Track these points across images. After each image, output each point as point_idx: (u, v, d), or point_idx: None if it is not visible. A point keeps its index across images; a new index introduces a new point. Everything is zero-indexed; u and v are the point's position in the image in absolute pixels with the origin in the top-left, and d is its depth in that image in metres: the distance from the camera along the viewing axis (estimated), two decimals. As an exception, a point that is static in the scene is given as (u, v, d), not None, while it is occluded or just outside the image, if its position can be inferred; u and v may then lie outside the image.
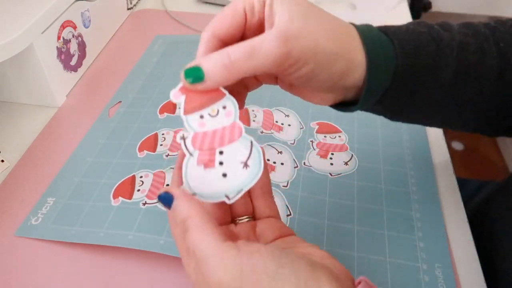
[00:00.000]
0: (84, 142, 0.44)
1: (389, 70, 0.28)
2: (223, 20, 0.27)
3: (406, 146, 0.44)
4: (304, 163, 0.42)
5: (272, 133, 0.44)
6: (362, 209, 0.38)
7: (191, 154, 0.25)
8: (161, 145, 0.43)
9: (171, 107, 0.47)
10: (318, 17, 0.26)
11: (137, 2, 0.68)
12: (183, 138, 0.25)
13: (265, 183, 0.28)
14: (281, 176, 0.40)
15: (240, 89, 0.30)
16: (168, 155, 0.42)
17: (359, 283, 0.23)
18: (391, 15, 0.67)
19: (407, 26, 0.30)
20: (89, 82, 0.53)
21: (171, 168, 0.40)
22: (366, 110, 0.31)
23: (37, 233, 0.36)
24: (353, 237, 0.36)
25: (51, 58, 0.47)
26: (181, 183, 0.25)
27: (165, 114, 0.47)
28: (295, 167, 0.41)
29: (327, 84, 0.27)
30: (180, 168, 0.25)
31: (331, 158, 0.42)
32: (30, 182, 0.40)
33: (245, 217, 0.28)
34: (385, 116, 0.33)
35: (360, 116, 0.47)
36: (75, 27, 0.51)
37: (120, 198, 0.38)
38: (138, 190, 0.38)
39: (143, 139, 0.44)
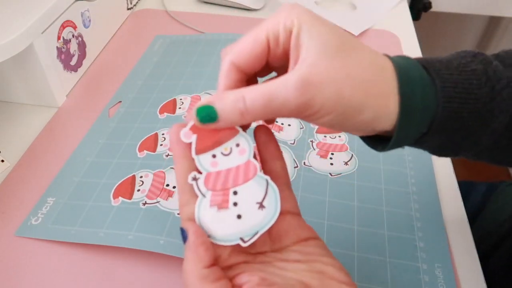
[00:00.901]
0: (84, 142, 0.44)
1: (427, 117, 0.24)
2: (243, 49, 0.24)
3: (406, 146, 0.44)
4: (304, 163, 0.42)
5: (272, 133, 0.44)
6: (362, 209, 0.38)
7: (203, 195, 0.24)
8: (161, 145, 0.43)
9: (171, 107, 0.47)
10: (347, 56, 0.23)
11: (137, 2, 0.68)
12: (195, 178, 0.24)
13: (280, 173, 0.26)
14: (281, 176, 0.40)
15: None
16: (168, 155, 0.42)
17: None
18: (391, 15, 0.67)
19: (457, 59, 0.25)
20: (89, 82, 0.53)
21: (171, 168, 0.40)
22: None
23: (37, 233, 0.36)
24: (353, 237, 0.36)
25: (51, 58, 0.47)
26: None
27: (165, 114, 0.47)
28: (295, 167, 0.41)
29: (352, 130, 0.25)
30: (183, 177, 0.24)
31: (331, 158, 0.42)
32: (30, 182, 0.41)
33: None
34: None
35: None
36: (75, 27, 0.51)
37: (120, 198, 0.38)
38: (138, 190, 0.38)
39: (143, 139, 0.44)
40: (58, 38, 0.48)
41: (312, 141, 0.44)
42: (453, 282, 0.33)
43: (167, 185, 0.38)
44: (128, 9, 0.66)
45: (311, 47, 0.22)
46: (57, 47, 0.48)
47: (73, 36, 0.51)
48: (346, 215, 0.37)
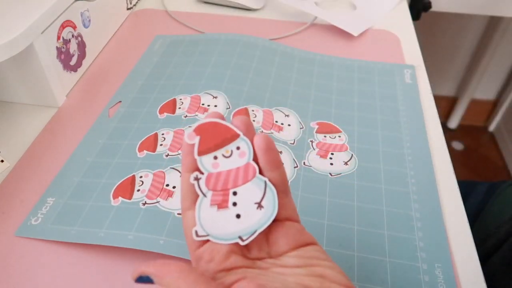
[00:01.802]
0: (84, 142, 0.44)
1: None
2: None
3: (406, 146, 0.44)
4: (304, 163, 0.42)
5: (272, 133, 0.44)
6: (362, 209, 0.38)
7: (204, 195, 0.25)
8: (161, 145, 0.43)
9: (171, 107, 0.47)
10: None
11: (137, 2, 0.68)
12: (197, 178, 0.25)
13: (279, 181, 0.26)
14: (281, 176, 0.40)
15: None
16: (168, 155, 0.42)
17: None
18: (391, 15, 0.67)
19: None
20: (89, 82, 0.53)
21: (171, 168, 0.40)
22: None
23: (37, 233, 0.36)
24: (353, 237, 0.36)
25: (51, 58, 0.47)
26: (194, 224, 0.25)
27: (165, 114, 0.47)
28: (295, 167, 0.41)
29: None
30: (187, 181, 0.25)
31: (331, 158, 0.42)
32: (30, 182, 0.41)
33: None
34: None
35: (360, 116, 0.47)
36: (75, 27, 0.51)
37: (120, 198, 0.38)
38: (138, 190, 0.38)
39: (143, 139, 0.44)
40: (58, 38, 0.48)
41: (312, 141, 0.44)
42: (453, 282, 0.33)
43: (167, 185, 0.38)
44: (128, 9, 0.66)
45: None
46: (57, 47, 0.48)
47: (73, 36, 0.51)
48: (346, 215, 0.37)
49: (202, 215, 0.25)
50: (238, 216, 0.25)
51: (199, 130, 0.25)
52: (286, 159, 0.42)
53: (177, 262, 0.22)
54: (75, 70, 0.52)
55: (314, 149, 0.43)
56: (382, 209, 0.38)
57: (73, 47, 0.51)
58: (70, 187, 0.39)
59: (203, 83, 0.50)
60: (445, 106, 1.58)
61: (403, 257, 0.34)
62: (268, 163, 0.26)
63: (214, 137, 0.25)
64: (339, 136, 0.45)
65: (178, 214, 0.36)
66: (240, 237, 0.24)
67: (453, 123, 1.59)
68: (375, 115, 0.48)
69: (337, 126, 0.46)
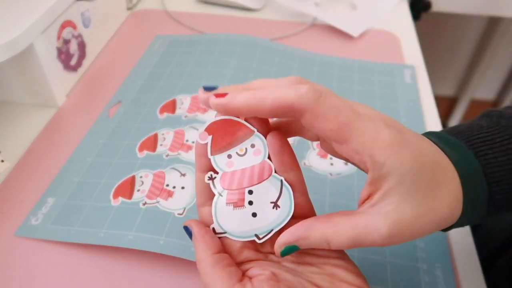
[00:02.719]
0: (84, 142, 0.44)
1: (483, 207, 0.25)
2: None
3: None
4: (304, 163, 0.42)
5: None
6: (362, 209, 0.38)
7: (220, 194, 0.25)
8: (161, 145, 0.43)
9: (171, 107, 0.47)
10: (433, 196, 0.22)
11: (137, 2, 0.68)
12: (211, 178, 0.25)
13: (295, 182, 0.25)
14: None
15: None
16: (168, 155, 0.42)
17: None
18: (391, 15, 0.67)
19: (498, 134, 0.25)
20: (89, 82, 0.53)
21: (171, 168, 0.40)
22: None
23: (37, 233, 0.36)
24: (353, 237, 0.36)
25: (51, 58, 0.47)
26: (211, 220, 0.25)
27: (165, 114, 0.47)
28: (295, 167, 0.41)
29: None
30: (201, 170, 0.25)
31: (331, 158, 0.42)
32: (30, 182, 0.40)
33: None
34: None
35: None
36: (75, 27, 0.51)
37: (120, 198, 0.38)
38: (138, 190, 0.38)
39: (143, 139, 0.44)
40: (58, 38, 0.48)
41: (312, 141, 0.44)
42: (453, 282, 0.33)
43: (167, 185, 0.38)
44: (128, 9, 0.66)
45: (397, 185, 0.22)
46: (57, 47, 0.48)
47: (73, 36, 0.51)
48: (346, 215, 0.37)
49: (219, 213, 0.25)
50: (254, 214, 0.25)
51: (211, 129, 0.24)
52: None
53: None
54: (75, 70, 0.52)
55: (314, 149, 0.43)
56: (382, 209, 0.38)
57: (73, 47, 0.51)
58: (70, 187, 0.39)
59: (203, 83, 0.50)
60: (445, 106, 1.58)
61: (403, 257, 0.34)
62: (282, 164, 0.25)
63: (227, 135, 0.25)
64: (339, 136, 0.45)
65: (178, 214, 0.36)
66: (256, 235, 0.25)
67: (453, 123, 1.59)
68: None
69: (337, 126, 0.46)
